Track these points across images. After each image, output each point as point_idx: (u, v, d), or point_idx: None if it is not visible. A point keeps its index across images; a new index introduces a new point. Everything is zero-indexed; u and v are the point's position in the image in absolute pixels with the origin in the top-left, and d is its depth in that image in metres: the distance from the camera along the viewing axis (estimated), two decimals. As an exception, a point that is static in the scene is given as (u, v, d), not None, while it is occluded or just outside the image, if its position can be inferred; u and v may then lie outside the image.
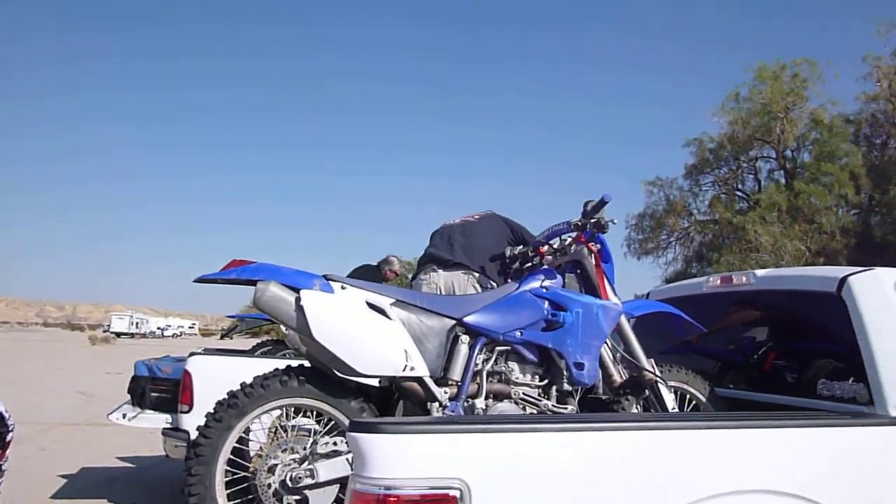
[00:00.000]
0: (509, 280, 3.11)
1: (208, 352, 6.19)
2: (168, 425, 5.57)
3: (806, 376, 2.87)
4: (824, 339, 2.90)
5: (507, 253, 2.99)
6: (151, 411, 5.76)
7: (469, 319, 2.44)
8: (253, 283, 2.27)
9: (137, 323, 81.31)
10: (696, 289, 3.40)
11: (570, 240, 2.76)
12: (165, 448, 5.56)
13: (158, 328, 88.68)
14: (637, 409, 2.69)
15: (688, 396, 2.87)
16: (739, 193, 16.27)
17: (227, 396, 2.23)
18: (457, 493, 1.69)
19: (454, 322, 2.43)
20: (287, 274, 2.27)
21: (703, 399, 2.85)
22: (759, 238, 11.93)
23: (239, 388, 2.23)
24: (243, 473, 2.21)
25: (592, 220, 2.66)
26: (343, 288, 2.30)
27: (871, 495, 2.16)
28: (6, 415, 2.55)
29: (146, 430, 9.49)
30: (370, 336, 2.26)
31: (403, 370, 2.27)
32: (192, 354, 5.60)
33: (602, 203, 2.64)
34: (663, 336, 3.02)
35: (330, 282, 2.30)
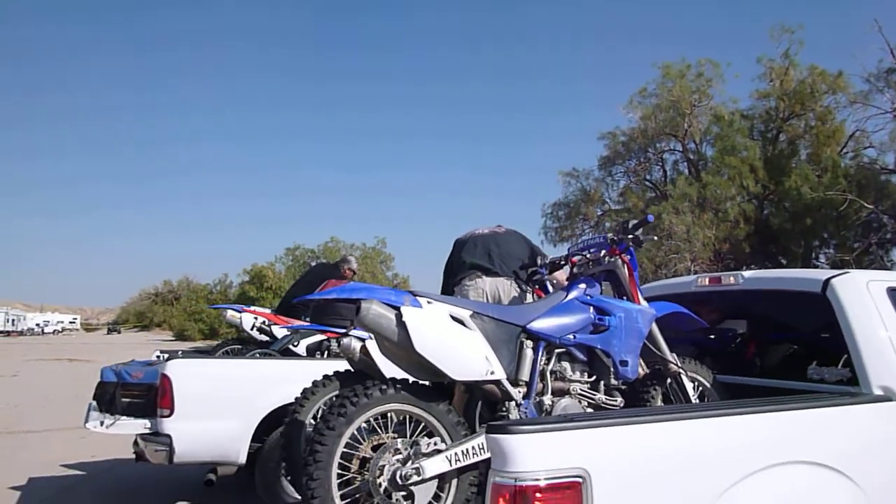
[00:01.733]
0: (538, 286, 3.45)
1: (186, 355, 6.19)
2: (147, 430, 5.55)
3: (795, 363, 3.37)
4: (809, 332, 3.40)
5: (539, 262, 3.32)
6: (124, 417, 5.70)
7: (532, 326, 2.76)
8: (352, 301, 2.49)
9: (13, 320, 76.03)
10: (686, 287, 3.85)
11: (604, 252, 3.11)
12: (146, 453, 5.54)
13: (37, 324, 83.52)
14: (660, 397, 3.10)
15: (695, 383, 3.30)
16: (648, 183, 17.38)
17: (336, 406, 2.42)
18: (580, 480, 2.01)
19: (520, 329, 2.73)
20: (382, 292, 2.50)
21: (709, 385, 3.29)
22: (673, 227, 12.90)
23: (346, 396, 2.43)
24: (350, 475, 2.42)
25: (630, 237, 3.03)
26: (429, 303, 2.54)
27: (870, 457, 2.67)
28: None
29: (76, 437, 9.28)
30: (459, 345, 2.52)
31: (486, 374, 2.55)
32: (169, 359, 5.60)
33: (644, 222, 3.01)
34: (670, 330, 3.42)
35: (417, 298, 2.54)
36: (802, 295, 3.27)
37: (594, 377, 2.90)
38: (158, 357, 6.89)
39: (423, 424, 2.50)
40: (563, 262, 3.30)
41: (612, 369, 2.87)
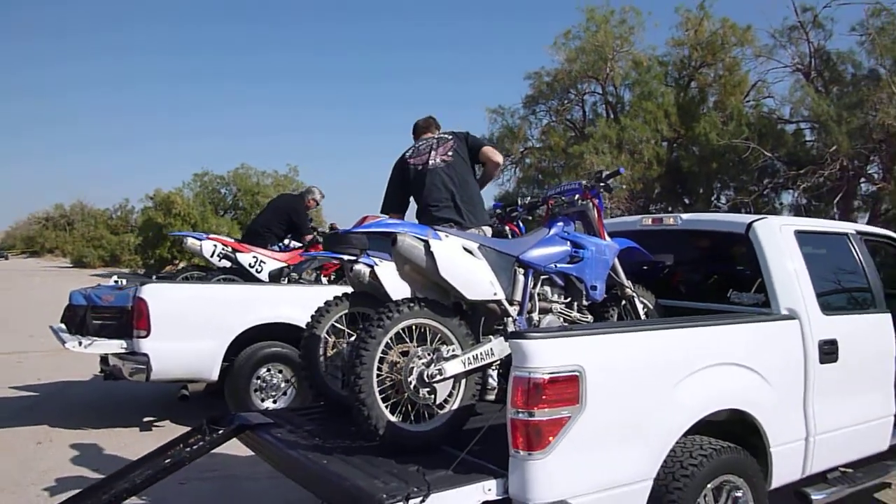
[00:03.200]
0: (513, 223, 4.03)
1: (161, 279, 6.46)
2: (123, 350, 5.88)
3: (718, 290, 4.14)
4: (732, 265, 4.16)
5: (519, 202, 3.89)
6: (99, 338, 5.99)
7: (523, 256, 3.34)
8: (387, 234, 2.98)
9: None
10: (634, 225, 4.54)
11: (578, 196, 3.70)
12: (123, 371, 5.88)
13: None
14: (616, 315, 3.79)
15: (643, 305, 4.00)
16: (569, 123, 18.18)
17: (375, 318, 2.92)
18: (577, 374, 2.65)
19: (514, 259, 3.31)
20: (412, 227, 3.00)
21: (651, 307, 4.00)
22: (594, 166, 13.75)
23: (383, 311, 2.93)
24: (384, 375, 2.95)
25: (602, 184, 3.64)
26: (447, 236, 3.07)
27: (776, 360, 3.46)
28: None
29: (13, 362, 9.37)
30: (472, 271, 3.08)
31: (491, 295, 3.13)
32: (143, 283, 5.90)
33: (616, 173, 3.62)
34: (621, 262, 4.09)
35: (437, 232, 3.06)
36: (729, 235, 4.01)
37: (569, 299, 3.54)
38: (116, 283, 7.10)
39: (439, 335, 3.06)
40: (540, 203, 3.88)
41: (584, 293, 3.52)
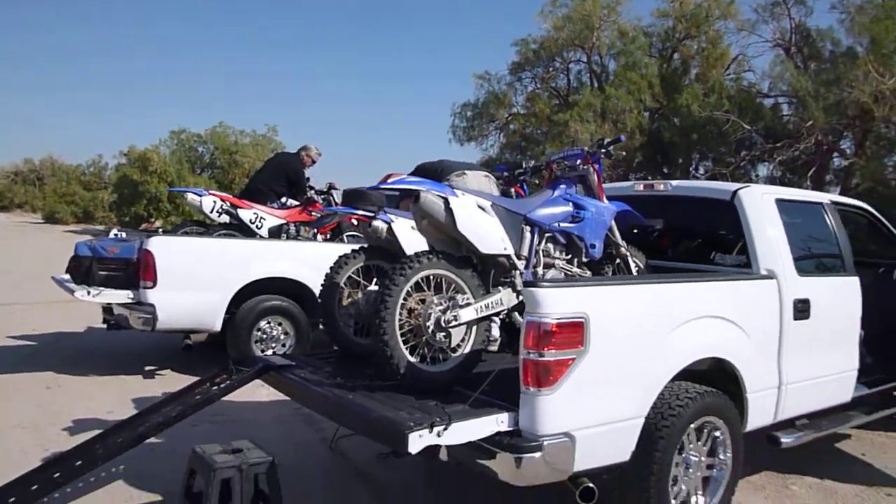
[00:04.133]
0: (518, 185, 4.29)
1: (167, 233, 6.65)
2: (130, 300, 6.10)
3: (704, 251, 4.47)
4: (717, 228, 4.48)
5: (523, 165, 4.15)
6: (105, 288, 6.18)
7: (530, 215, 3.62)
8: (409, 191, 3.23)
9: None
10: (627, 190, 4.83)
11: (580, 161, 3.97)
12: (130, 320, 6.10)
13: None
14: (611, 272, 4.10)
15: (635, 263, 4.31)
16: (554, 91, 18.39)
17: (398, 267, 3.18)
18: (583, 319, 2.94)
19: (522, 217, 3.59)
20: (433, 185, 3.25)
21: (642, 266, 4.31)
22: (578, 134, 14.04)
23: (405, 261, 3.19)
24: (404, 320, 3.22)
25: (603, 150, 3.92)
26: (463, 195, 3.32)
27: (755, 316, 3.80)
28: None
29: (7, 313, 9.51)
30: (486, 227, 3.35)
31: (502, 249, 3.41)
32: (150, 236, 6.09)
33: (617, 140, 3.90)
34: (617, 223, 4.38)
35: (455, 190, 3.31)
36: (716, 201, 4.33)
37: (570, 255, 3.83)
38: (116, 235, 7.26)
39: (453, 285, 3.34)
40: (543, 167, 4.14)
41: (583, 250, 3.81)
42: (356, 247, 4.01)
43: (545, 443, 2.85)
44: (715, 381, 3.59)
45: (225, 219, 7.15)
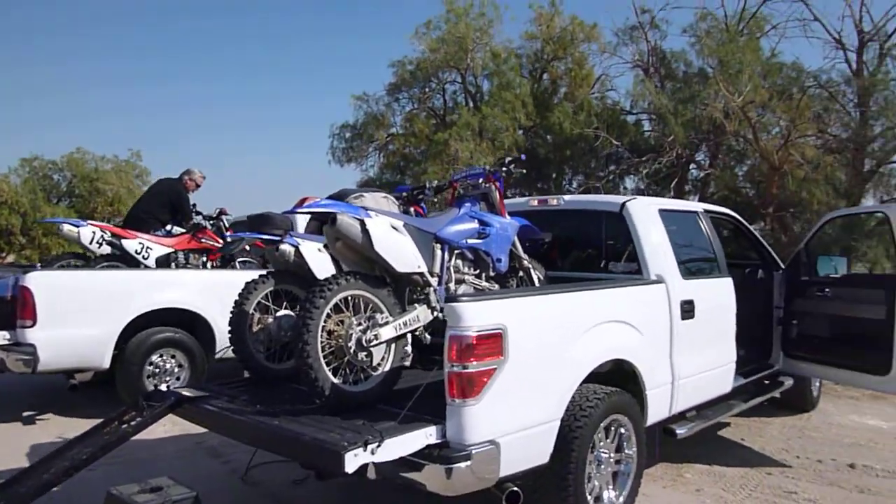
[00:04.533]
0: (417, 203, 4.39)
1: (45, 267, 6.20)
2: (7, 341, 5.66)
3: (595, 261, 4.76)
4: (607, 238, 4.78)
5: (427, 184, 4.26)
6: (-25, 330, 5.70)
7: (440, 233, 3.72)
8: (324, 214, 3.25)
9: None
10: (523, 206, 5.06)
11: (482, 180, 4.14)
12: (7, 363, 5.66)
13: None
14: (515, 284, 4.28)
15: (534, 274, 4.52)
16: (431, 111, 18.75)
17: (317, 290, 3.18)
18: (501, 331, 3.08)
19: (432, 235, 3.69)
20: (348, 208, 3.29)
21: (542, 277, 4.53)
22: (458, 153, 14.41)
23: (324, 283, 3.20)
24: (325, 342, 3.22)
25: (504, 169, 4.10)
26: (377, 216, 3.38)
27: (649, 318, 4.09)
28: None
29: None
30: (400, 247, 3.42)
31: (416, 267, 3.49)
32: (26, 271, 5.69)
33: (518, 160, 4.09)
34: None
35: (369, 212, 3.36)
36: (605, 213, 4.63)
37: (478, 270, 3.98)
38: None
39: (371, 304, 3.39)
40: (446, 186, 4.28)
41: (490, 265, 3.97)
42: (263, 272, 3.96)
43: (473, 451, 2.95)
44: (616, 381, 3.83)
45: (106, 250, 6.78)
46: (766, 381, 5.76)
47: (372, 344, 3.27)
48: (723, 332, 4.92)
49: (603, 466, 3.70)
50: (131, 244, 6.71)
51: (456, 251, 3.85)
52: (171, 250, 6.96)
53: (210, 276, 6.67)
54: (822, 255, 6.04)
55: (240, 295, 3.81)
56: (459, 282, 3.84)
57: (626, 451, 3.87)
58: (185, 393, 3.59)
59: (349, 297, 3.30)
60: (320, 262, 3.85)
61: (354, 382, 3.29)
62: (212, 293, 6.43)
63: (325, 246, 3.87)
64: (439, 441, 3.00)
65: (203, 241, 7.05)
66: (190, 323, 6.34)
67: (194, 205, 7.59)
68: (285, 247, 3.79)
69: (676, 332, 4.30)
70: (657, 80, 16.08)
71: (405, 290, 3.60)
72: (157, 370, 6.16)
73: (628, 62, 17.10)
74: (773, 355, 5.77)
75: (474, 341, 2.98)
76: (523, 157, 4.30)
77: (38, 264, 6.73)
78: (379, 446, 2.78)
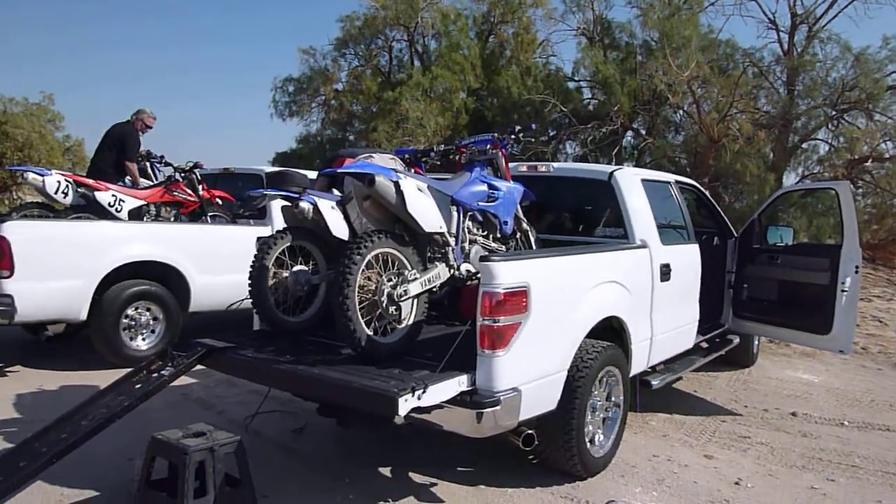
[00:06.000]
0: (419, 166, 4.57)
1: (23, 217, 6.03)
2: (-15, 292, 5.55)
3: (584, 226, 5.08)
4: (595, 205, 5.10)
5: (435, 148, 4.44)
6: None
7: (456, 196, 3.94)
8: (361, 174, 3.40)
9: None
10: (512, 171, 5.30)
11: (489, 146, 4.35)
12: None
13: None
14: (513, 246, 4.55)
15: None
16: (378, 69, 18.58)
17: (355, 246, 3.35)
18: (526, 288, 3.36)
19: (450, 198, 3.91)
20: (383, 169, 3.45)
21: (533, 239, 4.81)
22: (409, 112, 14.45)
23: (361, 240, 3.37)
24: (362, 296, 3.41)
25: (513, 137, 4.32)
26: (406, 178, 3.56)
27: (636, 279, 4.45)
28: None
29: None
30: (428, 208, 3.62)
31: (440, 228, 3.71)
32: (3, 220, 5.57)
33: (528, 128, 4.32)
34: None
35: (399, 174, 3.54)
36: (594, 181, 4.94)
37: (487, 232, 4.23)
38: None
39: (397, 262, 3.59)
40: (453, 151, 4.46)
41: (498, 227, 4.22)
42: (281, 228, 4.07)
43: (501, 397, 3.24)
44: (606, 336, 4.18)
45: (71, 200, 6.62)
46: (717, 339, 6.30)
47: (402, 299, 3.48)
48: (690, 293, 5.37)
49: (596, 413, 4.07)
50: (104, 196, 6.59)
51: (469, 213, 4.07)
52: (143, 202, 6.87)
53: (188, 231, 6.64)
54: (771, 225, 6.60)
55: (259, 250, 3.92)
56: (472, 242, 4.08)
57: (615, 400, 4.26)
58: (215, 343, 3.71)
59: (380, 255, 3.49)
60: (336, 220, 3.99)
61: (384, 335, 3.51)
62: (188, 247, 6.43)
63: (338, 203, 4.03)
64: (469, 388, 3.27)
65: (176, 194, 6.98)
66: (166, 276, 6.34)
67: (162, 156, 7.47)
68: (304, 204, 3.90)
69: (656, 292, 4.69)
70: (601, 49, 16.47)
71: (425, 248, 3.81)
72: (133, 323, 6.16)
73: (573, 29, 17.46)
74: (724, 315, 6.30)
75: (503, 297, 3.25)
76: (532, 126, 4.54)
77: (13, 213, 6.52)
78: (424, 392, 3.02)
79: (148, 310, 6.26)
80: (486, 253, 4.07)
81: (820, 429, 5.32)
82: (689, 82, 12.57)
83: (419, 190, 3.62)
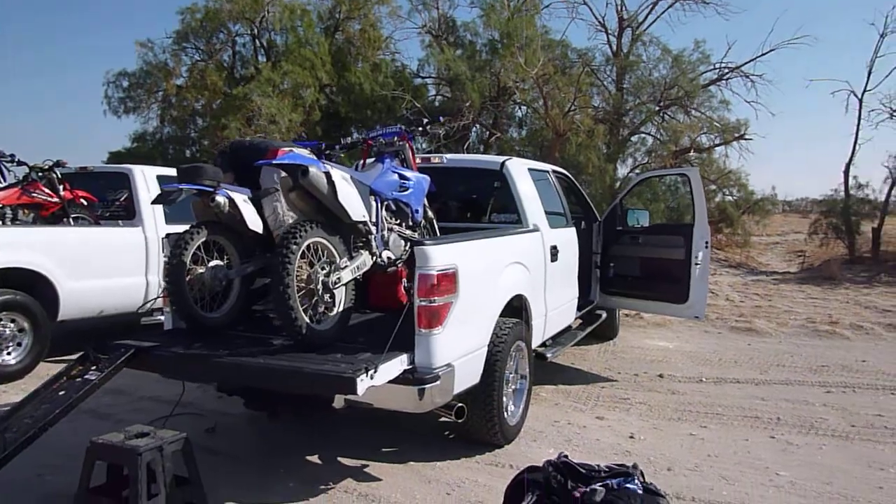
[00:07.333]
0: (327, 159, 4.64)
1: None
2: None
3: (477, 211, 5.40)
4: (488, 193, 5.43)
5: (342, 141, 4.53)
6: None
7: (373, 186, 4.08)
8: (293, 166, 3.44)
9: None
10: (406, 164, 5.51)
11: (397, 138, 4.51)
12: None
13: None
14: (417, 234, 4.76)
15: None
16: (220, 64, 17.83)
17: (290, 236, 3.38)
18: (455, 270, 3.60)
19: (368, 188, 4.04)
20: (314, 161, 3.51)
21: (437, 227, 5.05)
22: (261, 108, 14.08)
23: (295, 230, 3.41)
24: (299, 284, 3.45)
25: (420, 129, 4.51)
26: (334, 169, 3.65)
27: (534, 260, 4.83)
28: None
29: None
30: (354, 197, 3.73)
31: (363, 216, 3.84)
32: None
33: (436, 120, 4.51)
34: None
35: (326, 165, 3.62)
36: (487, 171, 5.27)
37: (400, 220, 4.39)
38: None
39: (327, 251, 3.68)
40: (360, 144, 4.57)
41: (410, 216, 4.41)
42: (195, 223, 3.99)
43: (440, 373, 3.46)
44: (509, 314, 4.50)
45: None
46: (588, 315, 6.90)
47: (336, 286, 3.58)
48: (571, 273, 5.88)
49: (509, 385, 4.40)
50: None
51: (384, 202, 4.23)
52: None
53: (53, 234, 6.18)
54: (630, 209, 7.32)
55: (175, 246, 3.82)
56: (389, 230, 4.23)
57: (521, 372, 4.61)
58: (138, 343, 3.58)
59: (311, 244, 3.56)
60: (251, 213, 3.99)
61: (318, 322, 3.59)
62: (55, 252, 6.01)
63: (250, 198, 4.03)
64: (409, 367, 3.45)
65: (34, 195, 6.45)
66: (30, 284, 5.88)
67: (12, 155, 6.86)
68: (220, 198, 3.85)
69: (548, 272, 5.11)
70: (447, 47, 17.04)
71: (350, 237, 3.92)
72: (-4, 336, 5.67)
73: (419, 27, 17.90)
74: (593, 292, 6.91)
75: (437, 279, 3.46)
76: (440, 118, 4.76)
77: None
78: (375, 372, 3.16)
79: (13, 321, 5.78)
80: (402, 240, 4.26)
81: (684, 386, 6.03)
82: (537, 79, 13.38)
83: (344, 180, 3.73)
